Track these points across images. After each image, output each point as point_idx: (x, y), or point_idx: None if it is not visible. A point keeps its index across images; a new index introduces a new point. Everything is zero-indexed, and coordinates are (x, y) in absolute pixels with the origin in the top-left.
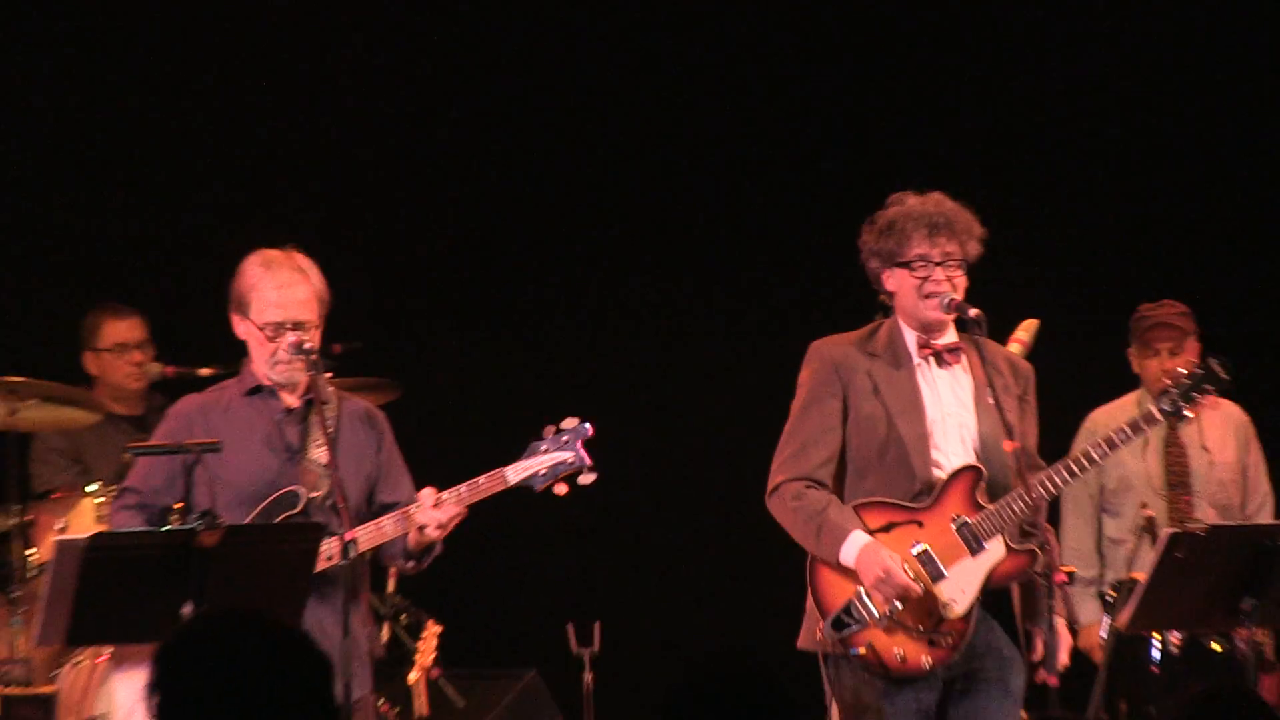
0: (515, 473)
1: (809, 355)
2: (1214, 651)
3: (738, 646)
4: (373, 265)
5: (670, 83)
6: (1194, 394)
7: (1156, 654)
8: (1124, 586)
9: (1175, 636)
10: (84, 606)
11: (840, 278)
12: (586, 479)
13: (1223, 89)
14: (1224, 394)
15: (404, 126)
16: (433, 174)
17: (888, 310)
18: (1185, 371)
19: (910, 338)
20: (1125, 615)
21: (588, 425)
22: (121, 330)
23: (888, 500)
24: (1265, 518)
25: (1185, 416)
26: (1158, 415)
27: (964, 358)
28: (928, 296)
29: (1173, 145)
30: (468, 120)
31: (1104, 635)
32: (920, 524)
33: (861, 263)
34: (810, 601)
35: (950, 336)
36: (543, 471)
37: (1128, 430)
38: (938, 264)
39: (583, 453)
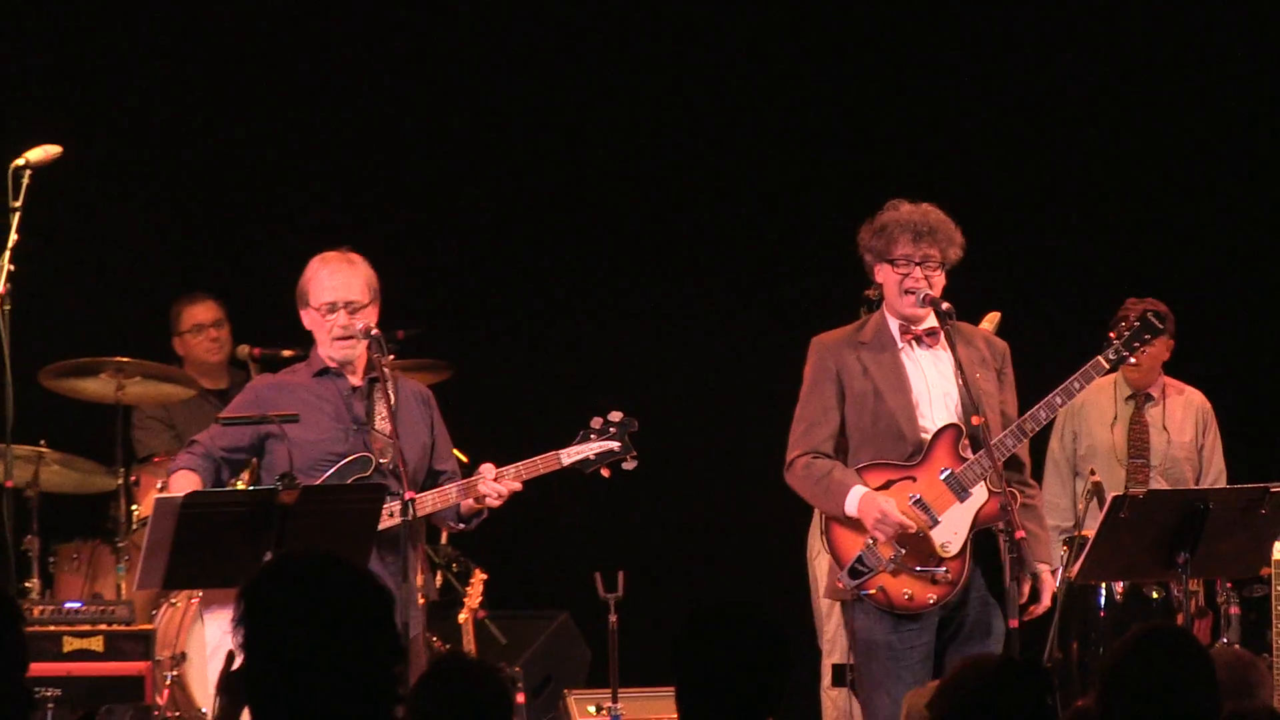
0: (568, 456)
1: (810, 349)
2: (1153, 599)
3: (737, 597)
4: (431, 259)
5: (716, 89)
6: (1135, 343)
7: (1103, 601)
8: (1075, 542)
9: (1119, 586)
10: (179, 555)
11: (845, 277)
12: (629, 465)
13: (1199, 92)
14: (1185, 378)
15: (464, 135)
16: (487, 178)
17: (872, 306)
18: (1125, 324)
19: (894, 325)
20: (1076, 568)
21: (634, 419)
22: (196, 313)
23: (884, 462)
24: None
25: (1128, 360)
26: (1104, 364)
27: (942, 338)
28: (906, 292)
29: (1142, 151)
30: (520, 127)
31: (1058, 584)
32: (914, 479)
33: (859, 256)
34: (826, 557)
35: (930, 323)
36: (593, 457)
37: (1079, 380)
38: (918, 264)
39: (629, 443)
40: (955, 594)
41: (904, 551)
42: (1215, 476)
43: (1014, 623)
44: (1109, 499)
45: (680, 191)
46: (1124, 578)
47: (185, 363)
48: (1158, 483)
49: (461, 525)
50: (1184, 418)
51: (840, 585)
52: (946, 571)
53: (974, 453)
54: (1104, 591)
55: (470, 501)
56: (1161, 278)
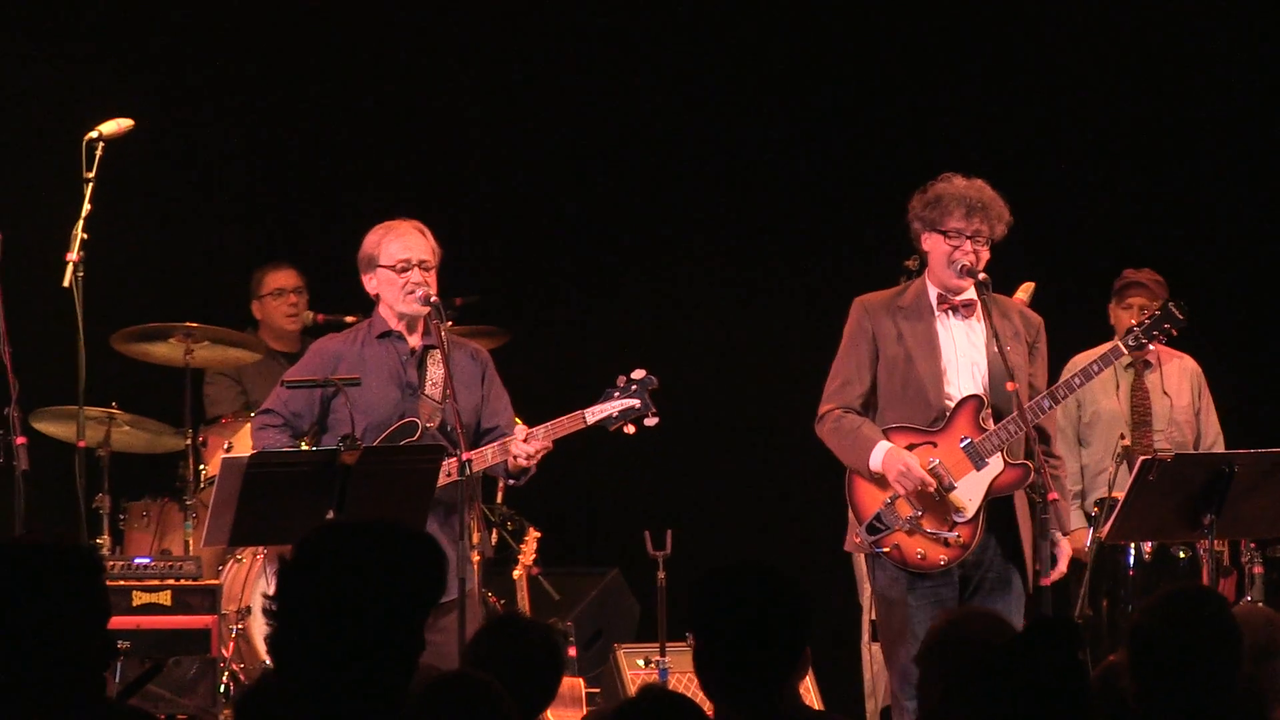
0: (592, 415)
1: (851, 308)
2: (1179, 558)
3: (779, 555)
4: (489, 228)
5: (751, 60)
6: (1154, 331)
7: (1132, 560)
8: (1105, 504)
9: (1147, 546)
10: (244, 513)
11: (886, 243)
12: (650, 422)
13: (1210, 63)
14: (1175, 343)
15: (520, 110)
16: (541, 152)
17: (911, 275)
18: (1148, 313)
19: (933, 294)
20: (1106, 528)
21: (653, 377)
22: (279, 278)
23: (909, 425)
24: (1218, 450)
25: (1147, 349)
26: (1123, 350)
27: (979, 310)
28: (953, 263)
29: (1155, 130)
30: (572, 102)
31: (1089, 545)
32: (935, 444)
33: (906, 222)
34: (850, 513)
35: (970, 294)
36: (615, 414)
37: (1099, 363)
38: (969, 237)
39: (649, 400)
40: (966, 556)
41: (921, 513)
42: (1214, 439)
43: (1045, 581)
44: (1138, 463)
45: (732, 161)
46: (1152, 538)
47: (261, 326)
48: (1161, 445)
49: (512, 481)
50: (1180, 382)
51: (857, 540)
52: (958, 536)
53: (994, 424)
54: (1133, 551)
55: (511, 460)
56: (1184, 247)
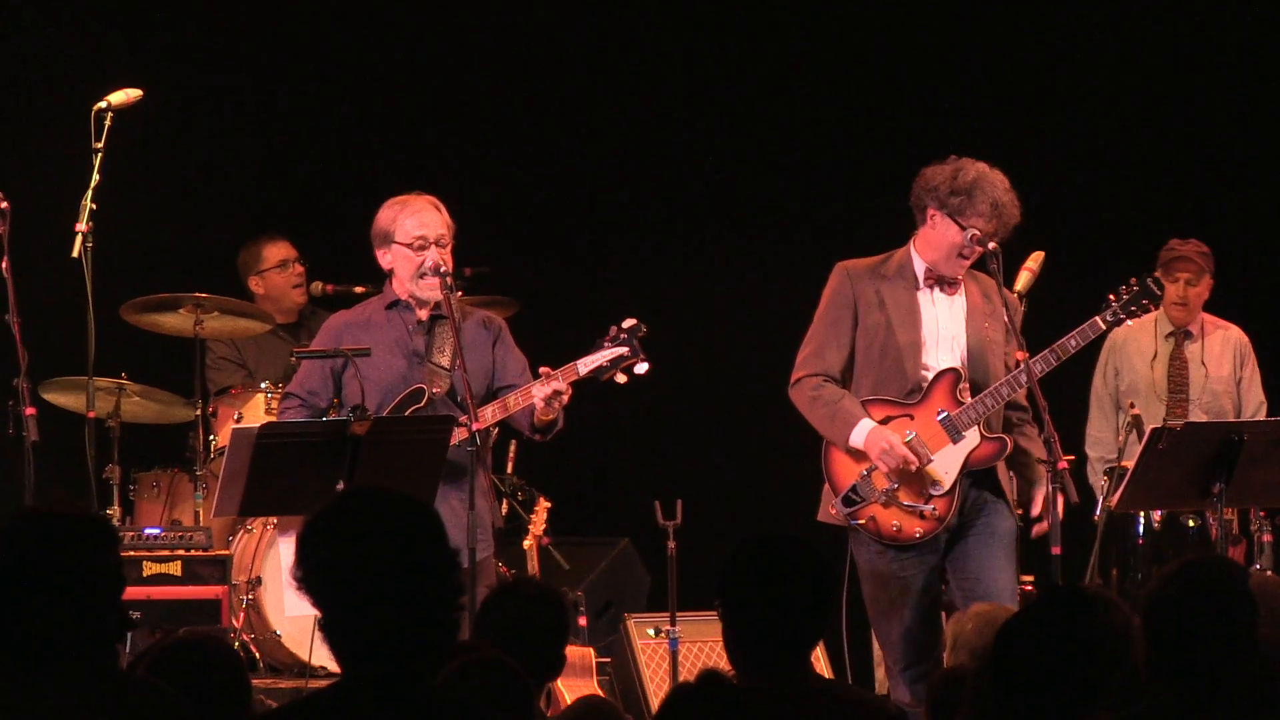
0: (584, 365)
1: (833, 273)
2: (1189, 527)
3: (791, 525)
4: (498, 198)
5: (747, 32)
6: (1133, 307)
7: (1142, 529)
8: (1115, 473)
9: (1157, 515)
10: (254, 484)
11: (889, 208)
12: (641, 369)
13: (1235, 26)
14: (1224, 314)
15: (528, 79)
16: (550, 121)
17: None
18: (1124, 288)
19: (919, 266)
20: (1116, 497)
21: (642, 325)
22: (280, 250)
23: (884, 398)
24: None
25: (1125, 324)
26: (1101, 325)
27: (962, 286)
28: (961, 256)
29: (1185, 96)
30: (580, 72)
31: (1099, 514)
32: (911, 417)
33: (916, 184)
34: (826, 484)
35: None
36: (606, 363)
37: (1076, 338)
38: (979, 240)
39: (638, 346)
40: (940, 530)
41: (897, 486)
42: (1255, 408)
43: (1056, 549)
44: (1148, 431)
45: (740, 126)
46: (1162, 507)
47: (262, 301)
48: (1197, 416)
49: (539, 435)
50: (1222, 353)
51: (833, 511)
52: (934, 509)
53: (972, 397)
54: (1143, 520)
55: (539, 413)
56: (1203, 214)
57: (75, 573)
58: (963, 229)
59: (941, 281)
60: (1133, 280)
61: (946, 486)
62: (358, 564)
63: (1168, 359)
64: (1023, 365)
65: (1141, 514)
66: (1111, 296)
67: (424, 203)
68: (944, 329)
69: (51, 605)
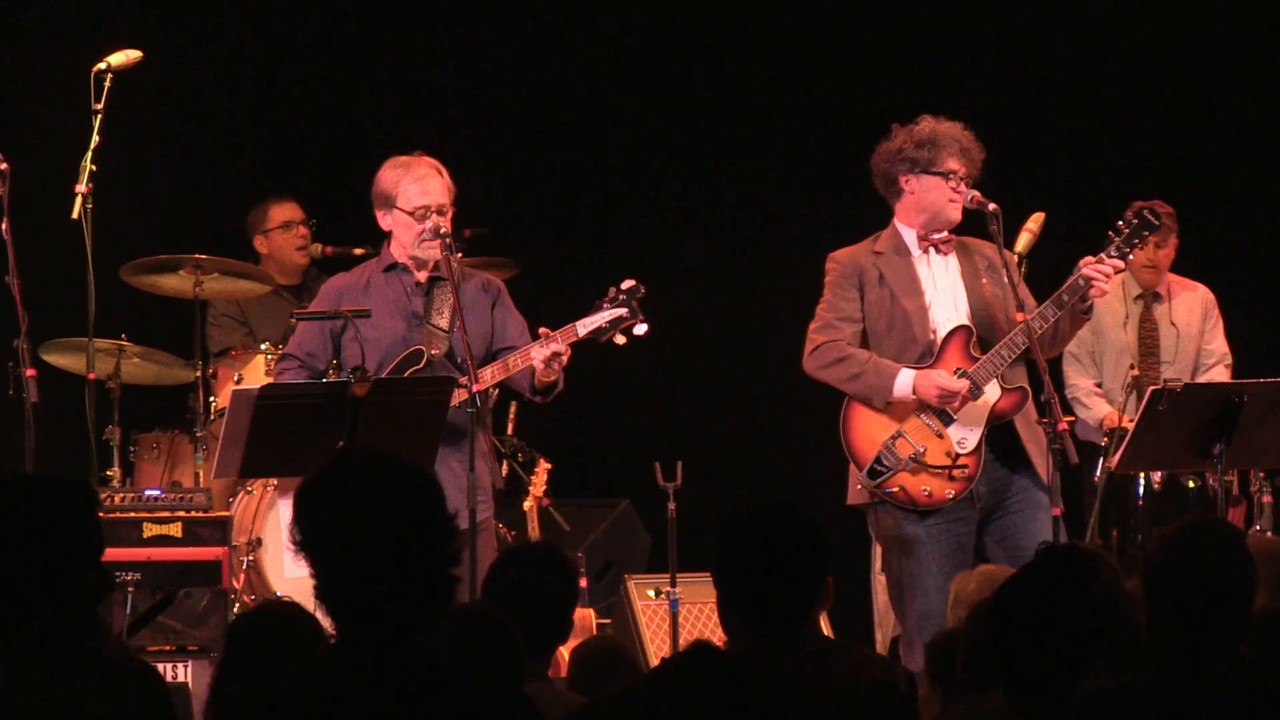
0: (583, 326)
1: (828, 263)
2: (1189, 489)
3: (789, 488)
4: (498, 163)
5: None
6: (1134, 239)
7: (1142, 490)
8: (1115, 434)
9: (1157, 476)
10: (254, 445)
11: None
12: (640, 330)
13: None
14: (1190, 274)
15: (528, 39)
16: (550, 80)
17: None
18: (1123, 223)
19: (909, 235)
20: (1116, 459)
21: (641, 286)
22: (286, 211)
23: (900, 363)
24: (1218, 371)
25: (1127, 258)
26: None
27: (954, 247)
28: (952, 201)
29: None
30: (580, 33)
31: (1099, 474)
32: None
33: (875, 164)
34: (851, 465)
35: (943, 233)
36: (605, 324)
37: (1063, 298)
38: (962, 179)
39: (637, 308)
40: (972, 488)
41: (924, 449)
42: (1218, 358)
43: (1057, 510)
44: (1148, 393)
45: (743, 85)
46: (1162, 468)
47: (266, 261)
48: (1170, 378)
49: (539, 397)
50: (1190, 312)
51: (859, 488)
52: (964, 468)
53: (983, 352)
54: (1143, 481)
55: (539, 374)
56: (1196, 176)
57: (52, 537)
58: (941, 176)
59: (934, 246)
60: (1129, 214)
61: (972, 444)
62: (352, 525)
63: (1138, 321)
64: (1023, 324)
65: (1141, 475)
66: (1111, 233)
67: (427, 167)
68: (944, 290)
69: (27, 570)
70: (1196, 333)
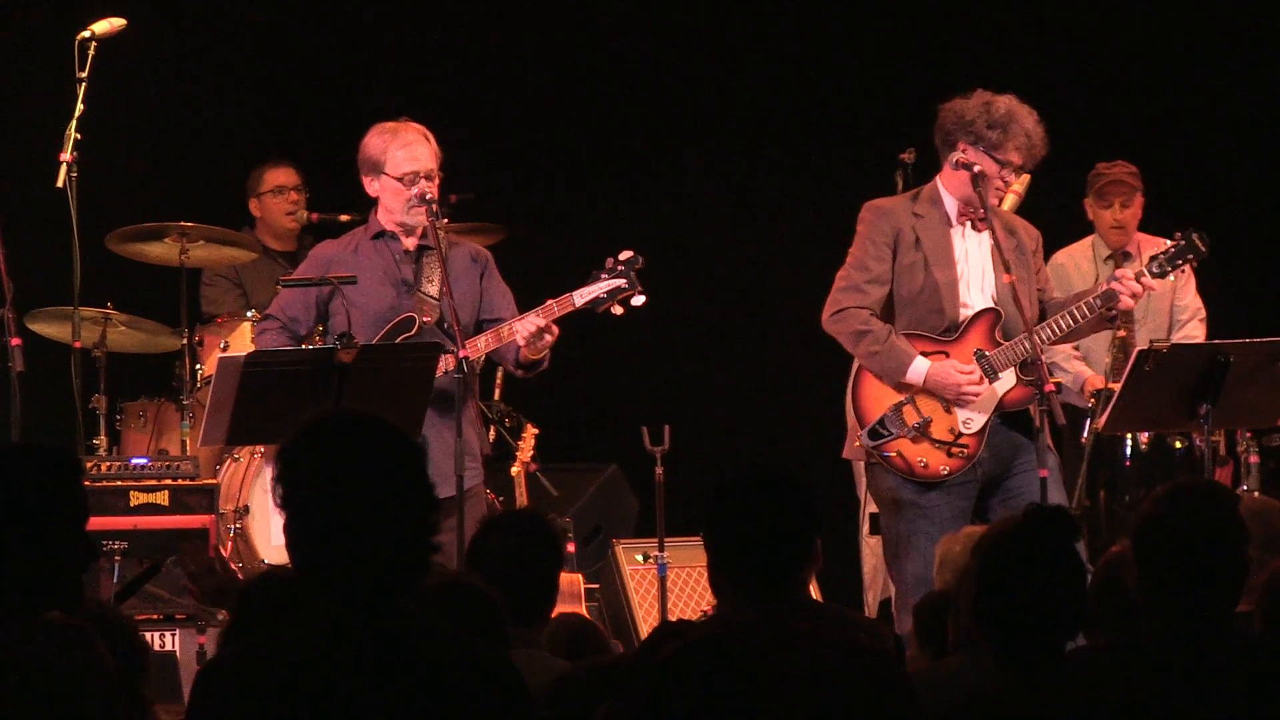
0: (581, 296)
1: (864, 212)
2: (1176, 449)
3: (777, 452)
4: (485, 128)
5: None
6: (1178, 261)
7: (1129, 451)
8: (1102, 395)
9: (1144, 436)
10: (241, 413)
11: (879, 138)
12: (638, 301)
13: None
14: (1161, 231)
15: (511, 12)
16: (541, 43)
17: (907, 169)
18: (1171, 243)
19: (950, 204)
20: (1103, 419)
21: (639, 257)
22: (279, 176)
23: (921, 333)
24: (1193, 326)
25: (1167, 277)
26: (1146, 278)
27: (991, 224)
28: (998, 189)
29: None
30: (564, 8)
31: (1085, 436)
32: (947, 354)
33: (942, 118)
34: (850, 418)
35: (981, 211)
36: (603, 295)
37: (1094, 303)
38: (1015, 169)
39: (635, 279)
40: (968, 466)
41: (929, 420)
42: (1192, 313)
43: (1044, 472)
44: (1134, 354)
45: (731, 48)
46: (1149, 428)
47: (259, 224)
48: (1144, 338)
49: (521, 371)
50: None
51: (858, 444)
52: (965, 447)
53: (1010, 333)
54: (1130, 442)
55: (525, 350)
56: (1131, 141)
57: (36, 505)
58: (998, 163)
59: (972, 219)
60: (1177, 235)
61: (977, 427)
62: (330, 483)
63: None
64: (1063, 313)
65: (1129, 436)
66: (1159, 252)
67: (414, 134)
68: (975, 267)
69: (12, 537)
70: (1168, 290)
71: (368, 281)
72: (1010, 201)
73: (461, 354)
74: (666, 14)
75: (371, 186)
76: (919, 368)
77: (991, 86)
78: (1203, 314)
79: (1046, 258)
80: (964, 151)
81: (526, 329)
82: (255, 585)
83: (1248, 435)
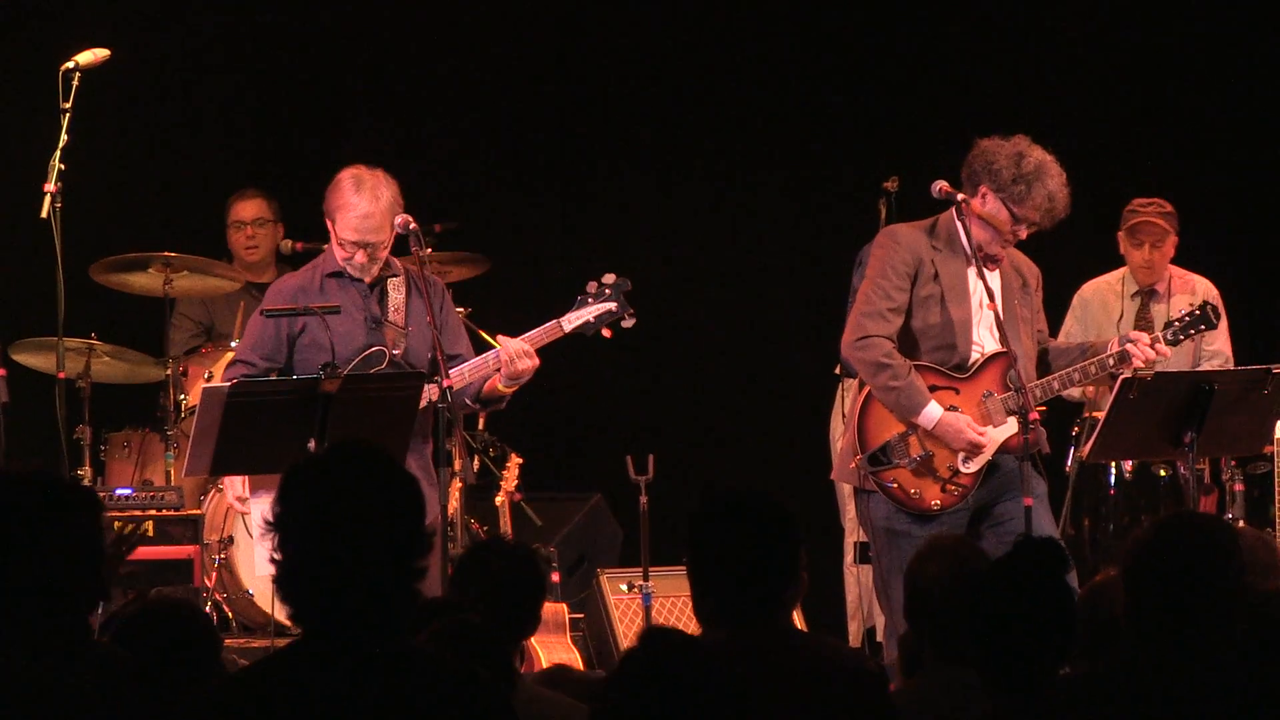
0: (569, 322)
1: (882, 238)
2: (1160, 477)
3: (761, 479)
4: (467, 158)
5: None
6: (1191, 330)
7: (1113, 479)
8: (1086, 424)
9: (1129, 464)
10: (225, 443)
11: (866, 159)
12: (627, 323)
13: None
14: (1190, 265)
15: (502, 32)
16: (523, 73)
17: (889, 197)
18: (1186, 312)
19: (968, 241)
20: (1087, 448)
21: (627, 280)
22: (242, 209)
23: (933, 366)
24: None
25: (1179, 344)
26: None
27: (1002, 264)
28: (1005, 241)
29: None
30: (552, 24)
31: (1070, 464)
32: (956, 391)
33: (973, 155)
34: (846, 440)
35: (997, 250)
36: (592, 319)
37: (1107, 361)
38: (1029, 227)
39: (625, 302)
40: (958, 504)
41: (931, 454)
42: (1222, 360)
43: (1029, 500)
44: (1118, 381)
45: (713, 73)
46: (1133, 456)
47: (234, 257)
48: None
49: (476, 405)
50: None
51: (853, 468)
52: (961, 485)
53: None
54: (1114, 470)
55: (494, 383)
56: (1167, 169)
57: (55, 539)
58: (1014, 217)
59: (988, 258)
60: (1194, 305)
61: (975, 467)
62: (330, 516)
63: (1133, 319)
64: (1056, 375)
65: (1113, 464)
66: (1175, 319)
67: (366, 199)
68: (986, 305)
69: (28, 571)
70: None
71: (342, 315)
72: None
73: (445, 384)
74: (649, 41)
75: (329, 227)
76: (932, 413)
77: (980, 115)
78: (1230, 364)
79: (1076, 287)
80: (984, 197)
81: (515, 347)
82: (132, 619)
83: (1232, 463)
